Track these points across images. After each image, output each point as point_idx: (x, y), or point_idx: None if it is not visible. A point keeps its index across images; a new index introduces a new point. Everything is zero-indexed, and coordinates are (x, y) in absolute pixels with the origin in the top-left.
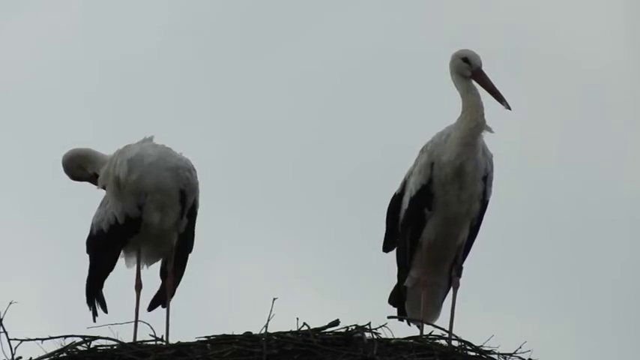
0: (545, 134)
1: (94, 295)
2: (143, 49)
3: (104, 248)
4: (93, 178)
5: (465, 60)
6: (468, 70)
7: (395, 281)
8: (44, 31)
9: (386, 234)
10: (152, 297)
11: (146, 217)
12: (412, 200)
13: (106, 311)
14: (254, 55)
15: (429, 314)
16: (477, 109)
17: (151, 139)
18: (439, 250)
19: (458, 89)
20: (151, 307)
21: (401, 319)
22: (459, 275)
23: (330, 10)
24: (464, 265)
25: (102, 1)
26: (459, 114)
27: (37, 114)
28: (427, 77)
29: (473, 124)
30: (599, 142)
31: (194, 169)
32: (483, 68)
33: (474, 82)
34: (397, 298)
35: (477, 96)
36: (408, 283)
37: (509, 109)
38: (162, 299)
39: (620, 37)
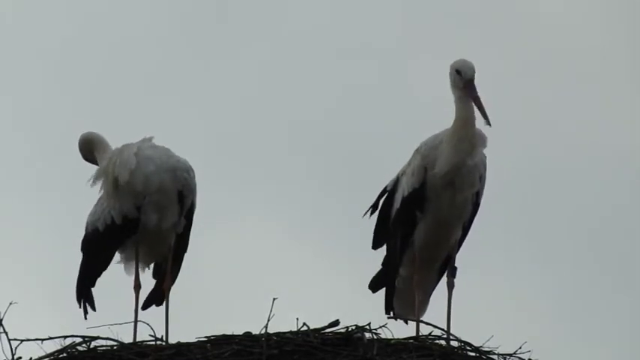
0: (541, 131)
1: (84, 294)
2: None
3: (100, 248)
4: None
5: (457, 72)
6: (460, 82)
7: (379, 267)
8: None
9: (375, 229)
10: (146, 296)
11: (144, 218)
12: (404, 200)
13: (94, 309)
14: (255, 39)
15: (419, 309)
16: (466, 122)
17: (150, 139)
18: (431, 250)
19: (453, 97)
20: (145, 306)
21: (401, 319)
22: (454, 276)
23: None
24: (457, 265)
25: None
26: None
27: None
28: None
29: (461, 139)
30: (598, 140)
31: (192, 170)
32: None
33: None
34: (377, 285)
35: (469, 108)
36: (398, 283)
37: (490, 125)
38: (156, 298)
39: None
